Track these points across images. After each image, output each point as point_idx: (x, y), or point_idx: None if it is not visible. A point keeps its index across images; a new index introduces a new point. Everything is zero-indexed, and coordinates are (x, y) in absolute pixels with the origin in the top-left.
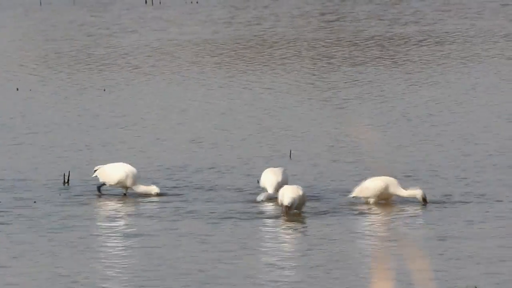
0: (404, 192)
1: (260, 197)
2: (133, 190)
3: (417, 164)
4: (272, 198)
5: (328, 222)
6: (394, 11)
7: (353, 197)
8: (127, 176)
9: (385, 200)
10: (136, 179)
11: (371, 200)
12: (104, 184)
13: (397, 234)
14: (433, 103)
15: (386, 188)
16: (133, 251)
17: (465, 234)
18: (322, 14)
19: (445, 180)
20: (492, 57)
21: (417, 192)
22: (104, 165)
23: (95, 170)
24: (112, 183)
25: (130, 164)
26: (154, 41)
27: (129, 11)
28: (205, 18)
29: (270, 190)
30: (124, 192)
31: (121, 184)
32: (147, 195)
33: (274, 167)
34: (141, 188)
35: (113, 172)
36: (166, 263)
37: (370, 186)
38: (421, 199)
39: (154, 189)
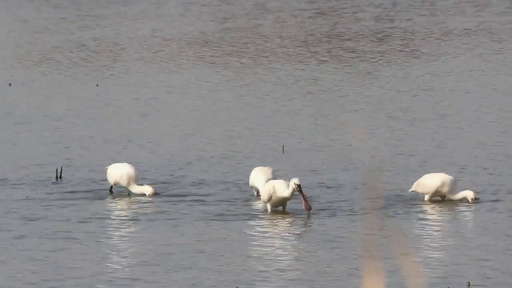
0: (456, 195)
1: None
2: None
3: (410, 158)
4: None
5: (322, 220)
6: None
7: (412, 191)
8: (121, 177)
9: (440, 197)
10: (132, 180)
11: (426, 197)
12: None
13: (391, 231)
14: (421, 98)
15: (442, 186)
16: (121, 249)
17: (459, 231)
18: (316, 10)
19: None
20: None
21: (468, 193)
22: (111, 164)
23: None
24: (111, 183)
25: (129, 163)
26: (146, 35)
27: (123, 5)
28: (200, 12)
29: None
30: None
31: (119, 184)
32: (143, 195)
33: (263, 166)
34: (136, 189)
35: (111, 172)
36: (154, 261)
37: (428, 182)
38: (471, 200)
39: (148, 189)
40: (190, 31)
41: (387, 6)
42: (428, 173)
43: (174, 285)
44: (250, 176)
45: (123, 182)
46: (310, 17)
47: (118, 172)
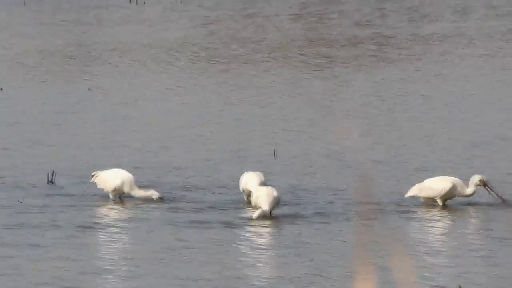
0: (469, 191)
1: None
2: (131, 195)
3: (402, 161)
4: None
5: (313, 224)
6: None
7: (410, 196)
8: (123, 183)
9: (447, 200)
10: (134, 184)
11: (438, 200)
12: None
13: (383, 236)
14: (412, 102)
15: (453, 188)
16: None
17: (452, 235)
18: (307, 14)
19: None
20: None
21: (475, 178)
22: (102, 171)
23: (93, 176)
24: (109, 190)
25: (124, 168)
26: (137, 40)
27: (113, 10)
28: (188, 17)
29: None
30: (118, 198)
31: (117, 191)
32: (147, 200)
33: (252, 171)
34: (140, 193)
35: (109, 179)
36: (145, 267)
37: (436, 186)
38: (482, 184)
39: (154, 194)
40: (176, 37)
41: (367, 12)
42: (415, 176)
43: None
44: (241, 180)
45: (125, 188)
46: (304, 21)
47: (119, 178)
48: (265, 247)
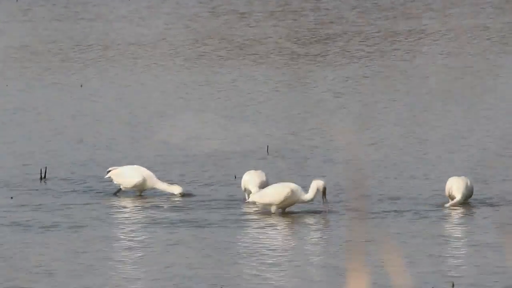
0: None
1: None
2: (154, 189)
3: (394, 161)
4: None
5: (306, 221)
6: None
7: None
8: (144, 179)
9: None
10: (154, 180)
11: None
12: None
13: (375, 233)
14: (408, 104)
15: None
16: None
17: (444, 232)
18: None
19: (418, 180)
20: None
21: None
22: (119, 167)
23: (109, 171)
24: (128, 186)
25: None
26: (128, 36)
27: (105, 5)
28: (180, 12)
29: (254, 191)
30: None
31: (138, 188)
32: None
33: (255, 170)
34: (163, 186)
35: (129, 176)
36: (143, 268)
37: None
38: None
39: (176, 188)
40: (153, 33)
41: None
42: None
43: None
44: (243, 179)
45: (148, 184)
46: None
47: (139, 174)
48: (257, 245)
